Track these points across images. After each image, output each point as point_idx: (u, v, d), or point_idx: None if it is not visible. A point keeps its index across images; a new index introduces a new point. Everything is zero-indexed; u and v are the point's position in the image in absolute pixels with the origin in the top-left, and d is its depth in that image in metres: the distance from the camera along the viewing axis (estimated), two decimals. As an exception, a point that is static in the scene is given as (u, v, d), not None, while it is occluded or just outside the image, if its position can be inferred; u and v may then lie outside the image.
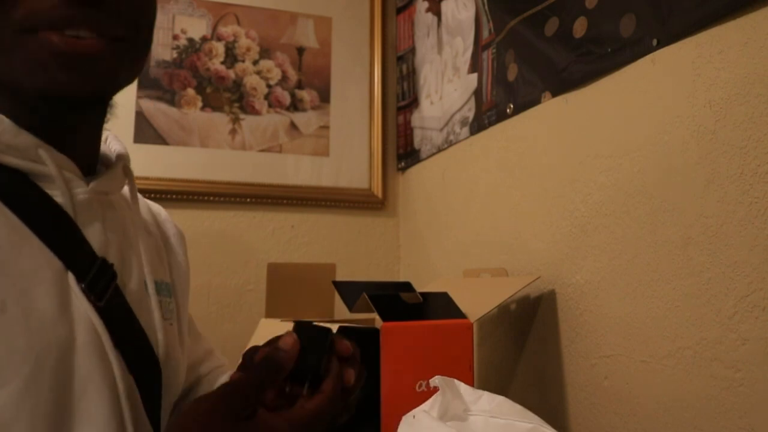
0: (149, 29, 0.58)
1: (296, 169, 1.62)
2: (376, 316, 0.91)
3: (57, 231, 0.54)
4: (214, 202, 1.55)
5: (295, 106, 1.64)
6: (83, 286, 0.54)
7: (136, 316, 0.60)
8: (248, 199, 1.57)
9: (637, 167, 0.88)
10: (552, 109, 1.07)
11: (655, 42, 0.85)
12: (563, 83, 1.03)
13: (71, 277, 0.53)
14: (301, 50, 1.66)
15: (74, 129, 0.58)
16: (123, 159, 0.65)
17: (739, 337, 0.72)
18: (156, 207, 0.79)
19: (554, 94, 1.06)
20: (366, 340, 0.89)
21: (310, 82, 1.66)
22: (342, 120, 1.68)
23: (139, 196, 0.72)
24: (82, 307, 0.53)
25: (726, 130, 0.74)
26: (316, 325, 0.57)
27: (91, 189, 0.58)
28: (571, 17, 1.01)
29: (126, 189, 0.68)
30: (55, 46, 0.49)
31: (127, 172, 0.65)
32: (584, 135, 0.99)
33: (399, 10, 1.74)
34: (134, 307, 0.60)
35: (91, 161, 0.62)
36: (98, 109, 0.60)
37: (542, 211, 1.08)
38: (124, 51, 0.54)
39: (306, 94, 1.65)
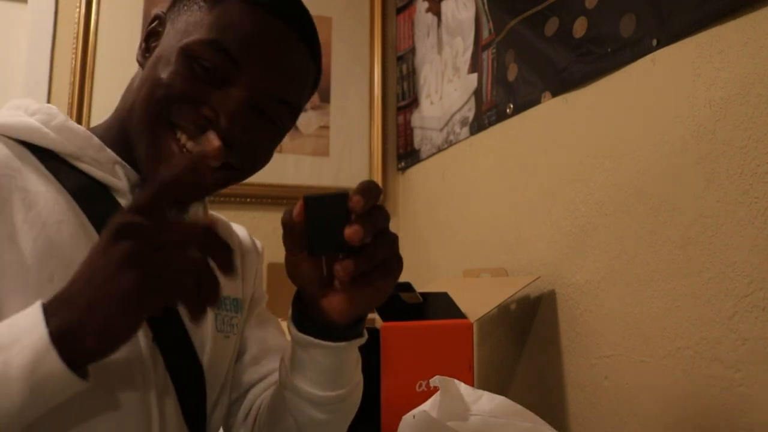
0: (258, 169, 0.68)
1: (296, 169, 1.62)
2: (376, 316, 0.91)
3: None
4: (214, 202, 1.55)
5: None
6: None
7: (184, 324, 0.63)
8: (248, 199, 1.57)
9: (637, 167, 0.88)
10: (552, 109, 1.07)
11: (655, 42, 0.85)
12: (563, 83, 1.03)
13: None
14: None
15: None
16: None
17: (739, 337, 0.72)
18: (237, 226, 0.84)
19: (554, 94, 1.06)
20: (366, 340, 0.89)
21: (310, 82, 1.66)
22: (342, 120, 1.68)
23: (222, 217, 0.84)
24: None
25: (726, 130, 0.74)
26: (329, 194, 0.52)
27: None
28: (571, 17, 1.01)
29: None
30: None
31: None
32: (584, 135, 0.99)
33: (399, 10, 1.74)
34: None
35: None
36: None
37: (542, 211, 1.08)
38: (231, 177, 0.65)
39: (306, 94, 1.66)
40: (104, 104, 1.49)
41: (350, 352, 0.64)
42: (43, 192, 0.58)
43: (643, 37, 0.86)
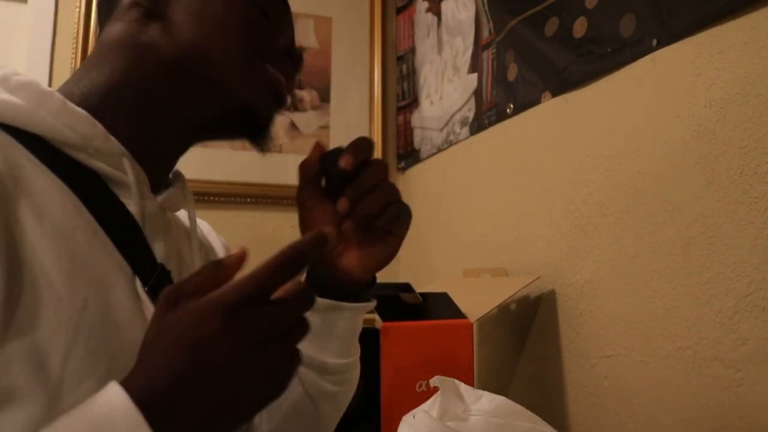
0: None
1: (296, 169, 1.62)
2: (376, 316, 0.91)
3: (129, 238, 0.56)
4: (214, 202, 1.55)
5: (295, 106, 1.64)
6: (146, 289, 0.55)
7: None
8: (248, 199, 1.57)
9: (637, 167, 0.88)
10: (552, 109, 1.07)
11: (655, 42, 0.85)
12: (563, 83, 1.03)
13: (138, 282, 0.55)
14: (301, 50, 1.66)
15: (179, 151, 0.64)
16: (181, 178, 0.67)
17: (739, 337, 0.72)
18: (199, 221, 0.80)
19: (554, 94, 1.06)
20: (366, 340, 0.89)
21: (310, 82, 1.66)
22: (342, 120, 1.68)
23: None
24: (148, 312, 0.54)
25: (726, 130, 0.74)
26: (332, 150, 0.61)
27: (159, 203, 0.60)
28: (571, 17, 1.01)
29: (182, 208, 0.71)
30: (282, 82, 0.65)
31: (186, 192, 0.67)
32: (584, 135, 0.99)
33: (399, 10, 1.75)
34: None
35: (162, 177, 0.64)
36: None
37: (542, 211, 1.08)
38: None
39: (306, 94, 1.65)
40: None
41: (361, 317, 0.67)
42: (47, 192, 0.50)
43: (643, 37, 0.86)
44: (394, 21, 1.77)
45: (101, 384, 0.47)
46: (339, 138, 1.67)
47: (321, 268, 0.64)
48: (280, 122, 1.62)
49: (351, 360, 0.68)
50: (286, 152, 1.62)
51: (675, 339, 0.80)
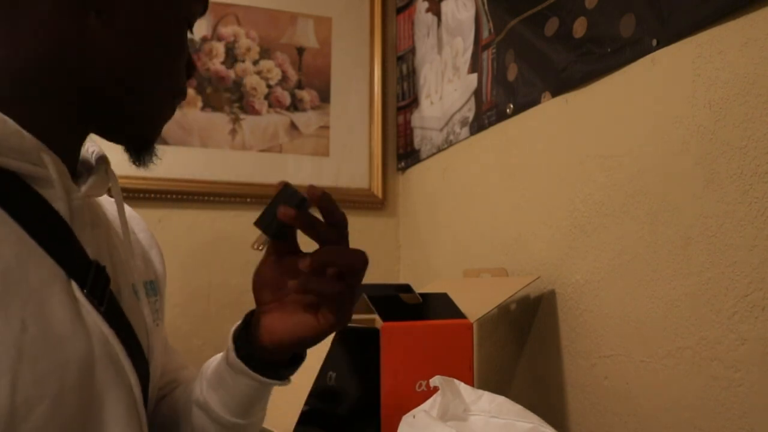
0: None
1: (296, 169, 1.62)
2: (376, 316, 0.92)
3: (58, 239, 0.53)
4: (214, 202, 1.55)
5: (295, 106, 1.64)
6: (86, 292, 0.53)
7: (129, 321, 0.59)
8: (248, 199, 1.57)
9: (637, 167, 0.88)
10: (552, 109, 1.07)
11: (654, 42, 0.85)
12: (563, 83, 1.03)
13: (74, 286, 0.52)
14: (301, 50, 1.66)
15: (83, 136, 0.60)
16: (105, 161, 0.63)
17: (738, 337, 0.72)
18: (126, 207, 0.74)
19: (554, 94, 1.06)
20: (366, 340, 0.89)
21: (310, 82, 1.66)
22: (342, 120, 1.68)
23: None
24: (90, 317, 0.53)
25: (725, 131, 0.74)
26: (297, 192, 0.57)
27: (84, 194, 0.56)
28: (571, 17, 1.01)
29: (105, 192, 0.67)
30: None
31: (111, 175, 0.63)
32: (584, 135, 0.99)
33: (399, 10, 1.74)
34: (126, 310, 0.59)
35: (74, 164, 0.60)
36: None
37: (542, 211, 1.08)
38: None
39: (306, 94, 1.65)
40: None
41: (270, 391, 0.65)
42: None
43: (643, 37, 0.86)
44: (394, 21, 1.77)
45: (55, 407, 0.48)
46: (339, 138, 1.67)
47: (254, 330, 0.61)
48: (281, 122, 1.62)
49: (248, 422, 0.65)
50: (286, 152, 1.62)
51: (675, 339, 0.80)
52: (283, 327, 0.59)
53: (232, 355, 0.62)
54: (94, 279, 0.54)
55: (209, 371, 0.66)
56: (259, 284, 0.64)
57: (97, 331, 0.53)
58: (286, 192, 0.56)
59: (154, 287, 0.69)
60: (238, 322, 0.65)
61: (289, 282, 0.61)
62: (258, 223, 0.59)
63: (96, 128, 0.60)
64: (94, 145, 0.65)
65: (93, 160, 0.63)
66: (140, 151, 0.62)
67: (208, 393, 0.65)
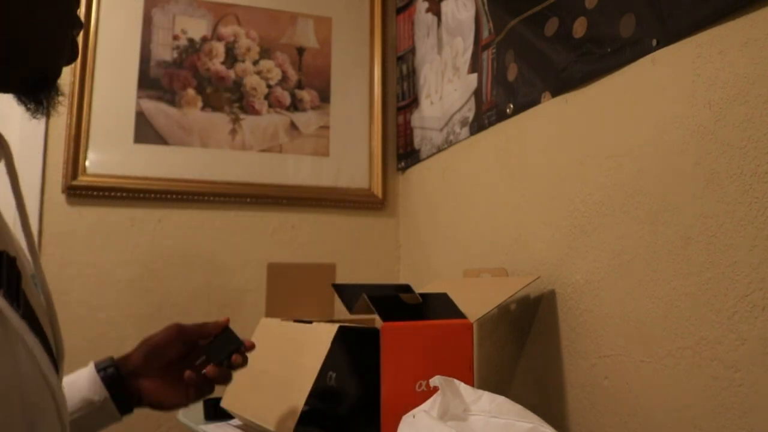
0: None
1: (296, 169, 1.62)
2: (376, 316, 0.92)
3: None
4: (214, 202, 1.55)
5: (295, 106, 1.64)
6: (3, 292, 0.46)
7: (43, 328, 0.54)
8: (248, 199, 1.57)
9: (637, 167, 0.88)
10: (552, 109, 1.07)
11: (654, 42, 0.85)
12: (563, 83, 1.03)
13: None
14: (301, 50, 1.66)
15: None
16: None
17: (738, 337, 0.72)
18: None
19: (554, 94, 1.06)
20: (366, 340, 0.89)
21: (310, 82, 1.66)
22: (342, 120, 1.68)
23: None
24: (11, 324, 0.46)
25: (725, 131, 0.74)
26: (234, 337, 0.83)
27: None
28: (571, 17, 1.01)
29: None
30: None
31: (3, 144, 0.57)
32: (584, 135, 0.99)
33: (399, 10, 1.75)
34: (34, 306, 0.54)
35: None
36: None
37: (542, 211, 1.08)
38: None
39: (306, 94, 1.66)
40: (105, 103, 1.49)
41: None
42: None
43: (643, 37, 0.86)
44: (394, 21, 1.77)
45: None
46: (339, 138, 1.67)
47: (129, 383, 0.78)
48: (281, 122, 1.62)
49: None
50: (285, 152, 1.62)
51: (675, 339, 0.80)
52: (164, 395, 0.79)
53: (111, 405, 0.76)
54: (8, 274, 0.48)
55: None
56: (154, 353, 0.79)
57: (19, 342, 0.46)
58: (231, 336, 0.82)
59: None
60: (103, 365, 0.78)
61: (174, 360, 0.81)
62: (210, 357, 0.81)
63: None
64: None
65: None
66: (36, 93, 0.55)
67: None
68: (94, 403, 0.74)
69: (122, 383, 0.77)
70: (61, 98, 0.57)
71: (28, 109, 0.55)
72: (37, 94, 0.55)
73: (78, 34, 0.58)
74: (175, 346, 0.80)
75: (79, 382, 0.75)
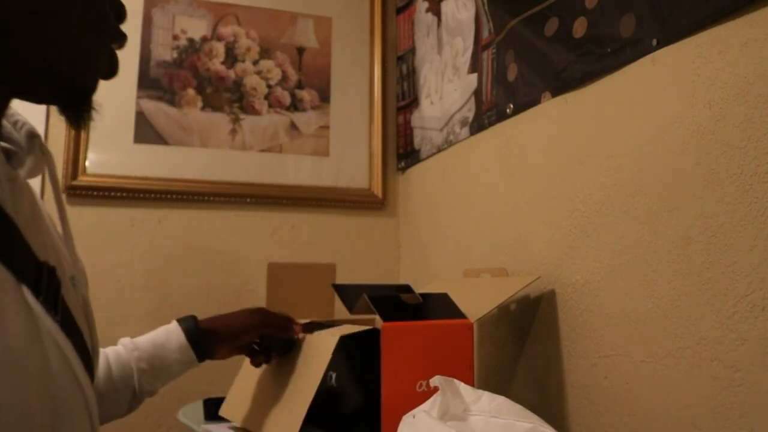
0: None
1: (296, 169, 1.62)
2: (376, 316, 0.91)
3: (3, 238, 0.46)
4: (214, 202, 1.55)
5: (295, 106, 1.64)
6: (41, 300, 0.47)
7: (78, 325, 0.55)
8: (248, 199, 1.57)
9: (637, 167, 0.88)
10: (552, 109, 1.07)
11: (654, 42, 0.85)
12: (563, 83, 1.03)
13: (27, 292, 0.47)
14: (301, 50, 1.66)
15: (4, 102, 0.53)
16: (38, 137, 0.56)
17: (738, 337, 0.72)
18: None
19: (554, 94, 1.06)
20: (366, 340, 0.89)
21: (310, 82, 1.66)
22: (342, 120, 1.68)
23: None
24: (46, 328, 0.48)
25: (725, 130, 0.74)
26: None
27: (23, 178, 0.50)
28: (571, 17, 1.01)
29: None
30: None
31: (45, 152, 0.57)
32: (584, 135, 0.99)
33: (399, 10, 1.75)
34: (72, 310, 0.56)
35: None
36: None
37: (542, 211, 1.08)
38: None
39: (306, 94, 1.66)
40: (105, 102, 1.49)
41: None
42: None
43: (643, 37, 0.86)
44: (394, 21, 1.77)
45: (20, 425, 0.43)
46: (339, 138, 1.67)
47: (207, 339, 0.89)
48: (281, 122, 1.62)
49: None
50: (286, 152, 1.62)
51: (675, 339, 0.80)
52: (228, 356, 0.94)
53: (194, 357, 0.87)
54: (47, 284, 0.49)
55: (147, 362, 0.85)
56: (231, 336, 0.91)
57: (53, 344, 0.48)
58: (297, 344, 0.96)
59: (77, 283, 0.63)
60: (186, 323, 0.89)
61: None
62: (276, 351, 0.97)
63: (18, 89, 0.52)
64: (16, 115, 0.57)
65: (23, 137, 0.56)
66: (72, 106, 0.55)
67: (157, 383, 0.87)
68: (183, 362, 0.88)
69: (205, 350, 0.89)
70: (94, 112, 0.57)
71: (67, 121, 0.56)
72: (73, 108, 0.55)
73: (121, 47, 0.58)
74: (251, 335, 0.93)
75: (171, 345, 0.87)
